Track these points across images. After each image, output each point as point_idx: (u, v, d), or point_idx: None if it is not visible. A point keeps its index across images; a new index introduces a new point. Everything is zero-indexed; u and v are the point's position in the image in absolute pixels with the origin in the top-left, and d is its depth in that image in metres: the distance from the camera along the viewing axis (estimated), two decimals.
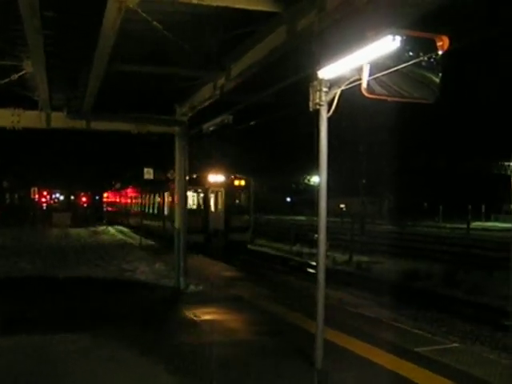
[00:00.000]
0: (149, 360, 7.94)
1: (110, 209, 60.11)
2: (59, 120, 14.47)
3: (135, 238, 31.57)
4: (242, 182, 28.08)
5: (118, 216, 50.10)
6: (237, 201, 28.44)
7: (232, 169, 29.11)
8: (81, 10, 8.26)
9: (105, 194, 66.84)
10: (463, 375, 7.23)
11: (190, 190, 24.11)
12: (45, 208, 67.99)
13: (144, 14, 7.62)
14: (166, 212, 28.84)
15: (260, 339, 9.21)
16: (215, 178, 27.06)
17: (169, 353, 8.29)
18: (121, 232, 40.35)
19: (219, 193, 27.41)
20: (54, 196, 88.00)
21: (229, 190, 27.42)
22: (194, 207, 26.73)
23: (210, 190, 27.13)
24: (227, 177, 27.43)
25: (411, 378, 7.09)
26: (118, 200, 53.28)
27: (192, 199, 26.68)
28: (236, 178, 27.96)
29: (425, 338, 9.45)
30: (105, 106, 14.16)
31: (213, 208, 27.37)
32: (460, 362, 7.74)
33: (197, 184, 26.22)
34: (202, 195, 27.33)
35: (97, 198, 79.46)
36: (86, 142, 42.49)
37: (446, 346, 8.94)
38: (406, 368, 7.45)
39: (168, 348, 8.58)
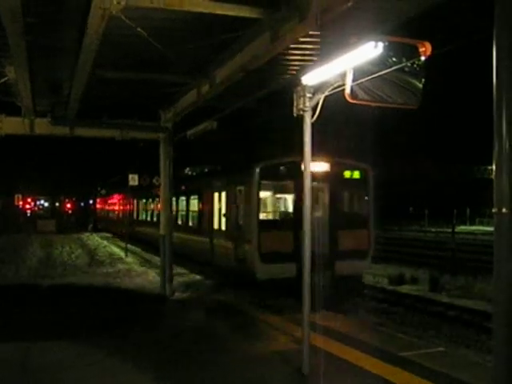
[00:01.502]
0: (134, 367, 7.90)
1: (105, 216, 51.84)
2: (43, 126, 14.40)
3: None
4: (356, 174, 16.72)
5: (117, 226, 40.68)
6: (348, 205, 17.35)
7: (338, 151, 18.00)
8: (64, 16, 8.23)
9: (97, 200, 61.26)
10: (448, 378, 7.26)
11: (268, 188, 15.88)
12: (29, 215, 67.39)
13: (128, 21, 7.60)
14: (228, 225, 17.34)
15: (246, 345, 9.21)
16: (313, 166, 13.38)
17: (155, 360, 8.25)
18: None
19: (320, 192, 15.76)
20: (38, 203, 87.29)
21: (335, 186, 16.16)
22: (277, 217, 16.43)
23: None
24: (332, 164, 15.97)
25: (396, 382, 7.11)
26: (118, 207, 42.90)
27: (272, 203, 16.59)
28: (346, 165, 16.60)
29: (410, 343, 9.49)
30: (89, 112, 14.14)
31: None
32: (445, 366, 7.77)
33: (280, 178, 15.76)
34: (290, 196, 16.43)
35: (82, 204, 78.89)
36: (70, 147, 41.98)
37: (432, 350, 8.98)
38: (390, 372, 7.46)
39: (153, 354, 8.54)
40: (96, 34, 7.88)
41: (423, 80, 6.63)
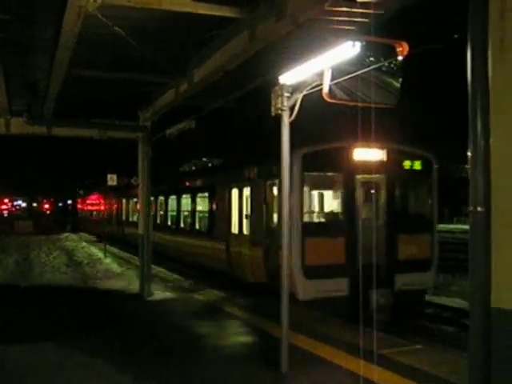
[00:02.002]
0: (113, 369, 7.85)
1: (88, 217, 48.70)
2: (19, 126, 14.22)
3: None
4: (417, 164, 13.44)
5: (103, 227, 32.54)
6: (409, 203, 13.85)
7: (395, 134, 14.25)
8: (39, 12, 8.12)
9: (79, 200, 58.13)
10: (426, 375, 7.32)
11: (312, 181, 12.66)
12: (6, 216, 66.64)
13: (104, 19, 7.53)
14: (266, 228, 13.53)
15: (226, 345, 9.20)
16: (366, 153, 12.37)
17: (136, 359, 8.22)
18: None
19: (374, 187, 12.64)
20: (15, 203, 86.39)
21: (394, 179, 13.02)
22: (324, 219, 13.17)
23: (357, 181, 12.46)
24: (390, 152, 12.69)
25: (375, 379, 7.14)
26: (104, 207, 37.93)
27: (318, 201, 13.75)
28: (406, 153, 13.37)
29: (389, 340, 9.51)
30: (66, 111, 13.99)
31: (362, 220, 12.30)
32: (423, 363, 7.83)
33: (328, 168, 12.57)
34: (339, 192, 13.18)
35: (60, 204, 78.28)
36: (48, 147, 41.40)
37: (411, 348, 9.02)
38: (369, 370, 7.47)
39: (135, 354, 8.49)
40: (72, 32, 7.79)
41: (401, 79, 6.67)
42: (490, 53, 4.49)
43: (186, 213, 20.79)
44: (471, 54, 4.67)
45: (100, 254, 25.77)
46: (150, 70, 10.89)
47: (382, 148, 12.50)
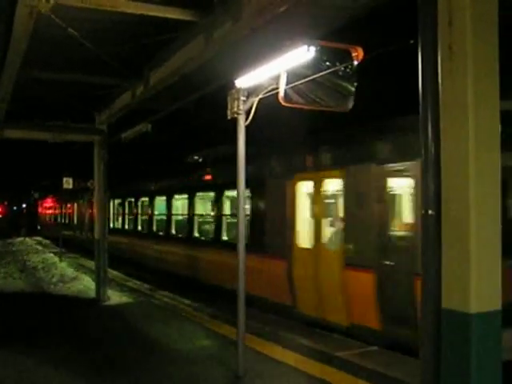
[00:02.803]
0: (65, 375, 7.71)
1: (50, 221, 46.97)
2: None
3: None
4: None
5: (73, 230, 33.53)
6: None
7: None
8: None
9: (40, 203, 55.72)
10: (382, 376, 7.40)
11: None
12: None
13: (58, 20, 7.40)
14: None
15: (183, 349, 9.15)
16: None
17: (88, 365, 8.09)
18: None
19: None
20: None
21: None
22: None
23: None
24: None
25: (331, 381, 7.20)
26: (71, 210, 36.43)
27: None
28: None
29: (345, 343, 9.60)
30: (20, 113, 13.68)
31: None
32: (379, 364, 7.92)
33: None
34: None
35: (15, 208, 76.46)
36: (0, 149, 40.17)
37: (367, 349, 9.11)
38: (326, 372, 7.56)
39: (87, 360, 8.36)
40: (24, 32, 7.62)
41: (355, 84, 6.74)
42: (439, 57, 4.59)
43: (205, 218, 16.09)
44: (421, 59, 4.76)
45: (55, 259, 25.32)
46: (105, 72, 10.75)
47: None
